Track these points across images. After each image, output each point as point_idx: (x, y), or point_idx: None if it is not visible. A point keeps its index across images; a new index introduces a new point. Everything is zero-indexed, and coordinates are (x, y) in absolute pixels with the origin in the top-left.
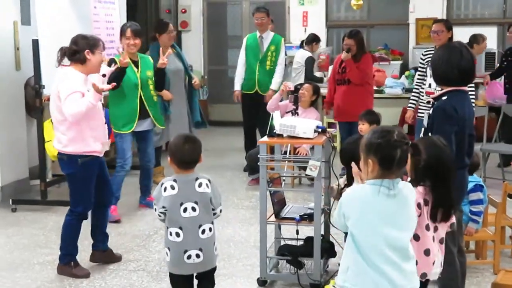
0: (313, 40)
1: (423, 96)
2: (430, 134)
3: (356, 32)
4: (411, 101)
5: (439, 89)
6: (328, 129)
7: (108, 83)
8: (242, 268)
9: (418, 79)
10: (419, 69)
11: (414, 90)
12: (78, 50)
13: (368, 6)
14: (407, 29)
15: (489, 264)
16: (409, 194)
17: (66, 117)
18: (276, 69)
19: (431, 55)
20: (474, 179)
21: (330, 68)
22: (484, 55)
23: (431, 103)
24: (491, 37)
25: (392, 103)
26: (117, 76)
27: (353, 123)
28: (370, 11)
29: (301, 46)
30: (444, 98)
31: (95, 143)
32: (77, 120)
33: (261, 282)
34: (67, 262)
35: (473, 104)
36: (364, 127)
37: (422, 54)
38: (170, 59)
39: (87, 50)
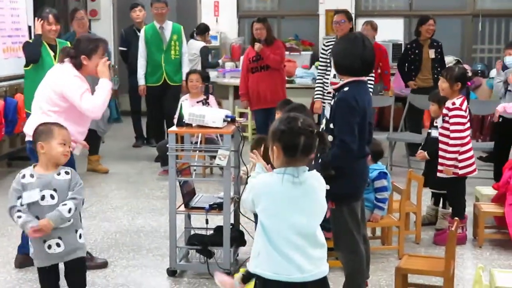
0: (205, 29)
1: (327, 86)
2: (332, 125)
3: (264, 17)
4: (316, 92)
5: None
6: (237, 119)
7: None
8: (152, 258)
9: (320, 69)
10: (320, 59)
11: (317, 81)
12: (75, 55)
13: None
14: (317, 20)
15: (394, 250)
16: (316, 182)
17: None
18: (183, 60)
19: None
20: (378, 167)
21: (242, 58)
22: (391, 46)
23: (332, 94)
24: (398, 29)
25: (302, 93)
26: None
27: (269, 110)
28: (280, 2)
29: (191, 36)
30: (345, 89)
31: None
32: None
33: (171, 272)
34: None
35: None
36: None
37: (324, 45)
38: None
39: (83, 56)
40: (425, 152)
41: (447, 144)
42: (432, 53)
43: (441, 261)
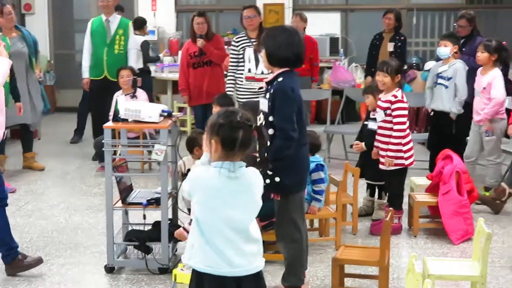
0: (142, 23)
1: (241, 81)
2: (271, 118)
3: (204, 11)
4: (228, 89)
5: (259, 73)
6: (174, 114)
7: None
8: (90, 255)
9: (231, 65)
10: (232, 56)
11: (229, 76)
12: None
13: None
14: None
15: (331, 241)
16: (253, 178)
17: None
18: (129, 55)
19: (244, 42)
20: (315, 159)
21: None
22: (328, 40)
23: (264, 88)
24: (335, 23)
25: None
26: None
27: (209, 105)
28: None
29: None
30: (279, 79)
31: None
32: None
33: (109, 269)
34: (14, 258)
35: None
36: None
37: (235, 41)
38: (12, 42)
39: None
40: (362, 144)
41: (390, 136)
42: (390, 47)
43: (377, 251)
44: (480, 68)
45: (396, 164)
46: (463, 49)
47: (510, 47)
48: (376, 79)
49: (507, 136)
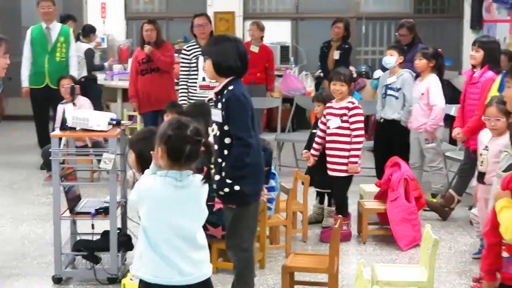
0: (90, 31)
1: (195, 90)
2: (227, 127)
3: (154, 19)
4: (180, 97)
5: (214, 81)
6: (123, 122)
7: None
8: (37, 266)
9: (183, 73)
10: (182, 64)
11: (181, 85)
12: None
13: None
14: None
15: (282, 249)
16: (200, 186)
17: None
18: (71, 62)
19: (196, 50)
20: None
21: (130, 60)
22: (279, 48)
23: (214, 99)
24: (285, 31)
25: None
26: None
27: (159, 112)
28: (168, 3)
29: (77, 38)
30: (230, 88)
31: None
32: None
33: (56, 279)
34: None
35: None
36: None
37: (185, 50)
38: None
39: None
40: (311, 152)
41: (347, 143)
42: (337, 55)
43: (326, 258)
44: (412, 78)
45: (338, 170)
46: (406, 56)
47: (453, 56)
48: (332, 88)
49: (452, 142)
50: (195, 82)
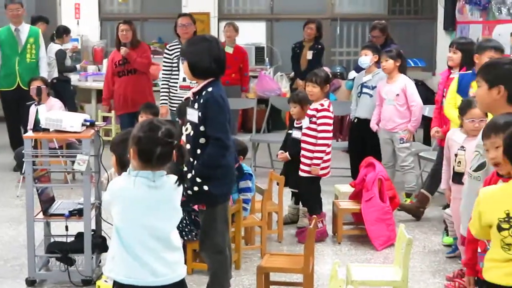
0: (63, 32)
1: (175, 90)
2: (203, 128)
3: (129, 19)
4: (162, 97)
5: (195, 82)
6: (97, 123)
7: None
8: (10, 269)
9: (164, 74)
10: (165, 64)
11: (162, 85)
12: None
13: None
14: None
15: (257, 249)
16: (174, 186)
17: None
18: (40, 64)
19: (177, 49)
20: (244, 168)
21: (105, 61)
22: (254, 49)
23: (191, 99)
24: (260, 32)
25: None
26: None
27: (136, 114)
28: (143, 4)
29: (51, 39)
30: (209, 89)
31: None
32: None
33: (30, 282)
34: None
35: None
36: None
37: (168, 49)
38: None
39: None
40: (287, 153)
41: (313, 144)
42: (309, 55)
43: (301, 259)
44: (385, 78)
45: (306, 171)
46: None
47: (427, 57)
48: (306, 89)
49: (426, 143)
50: (177, 82)
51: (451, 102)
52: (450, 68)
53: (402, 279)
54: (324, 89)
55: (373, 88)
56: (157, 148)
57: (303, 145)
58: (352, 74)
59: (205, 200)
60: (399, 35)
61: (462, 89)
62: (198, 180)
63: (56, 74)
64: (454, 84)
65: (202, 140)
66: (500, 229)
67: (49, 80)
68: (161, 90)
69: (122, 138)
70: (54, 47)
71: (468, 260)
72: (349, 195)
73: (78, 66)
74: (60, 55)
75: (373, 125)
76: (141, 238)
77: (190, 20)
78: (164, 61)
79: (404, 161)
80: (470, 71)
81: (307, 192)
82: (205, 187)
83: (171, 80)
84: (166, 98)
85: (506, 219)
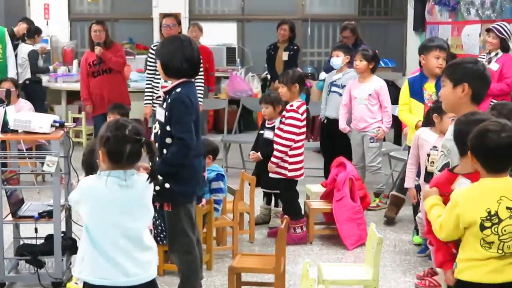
0: (34, 32)
1: (158, 90)
2: (169, 127)
3: (102, 20)
4: (146, 97)
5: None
6: (66, 124)
7: None
8: None
9: (149, 74)
10: (149, 64)
11: (146, 86)
12: None
13: None
14: (151, 24)
15: (229, 250)
16: (144, 185)
17: None
18: (8, 63)
19: None
20: (216, 168)
21: (75, 62)
22: (225, 50)
23: (162, 97)
24: (232, 33)
25: (137, 97)
26: None
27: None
28: (113, 5)
29: (23, 40)
30: (178, 90)
31: None
32: None
33: None
34: None
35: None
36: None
37: (152, 49)
38: None
39: None
40: (258, 153)
41: (279, 144)
42: (285, 56)
43: (273, 259)
44: (357, 77)
45: (276, 173)
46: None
47: (397, 57)
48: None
49: (396, 142)
50: (159, 82)
51: (405, 107)
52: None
53: (373, 278)
54: (292, 89)
55: (343, 87)
56: (127, 146)
57: (274, 145)
58: (323, 74)
59: (167, 198)
60: (370, 35)
61: (416, 93)
62: (160, 177)
63: (28, 75)
64: (406, 89)
65: (168, 140)
66: (482, 228)
67: (21, 81)
68: (145, 90)
69: (89, 148)
70: (26, 47)
71: (444, 256)
72: (321, 195)
73: (51, 67)
74: (33, 56)
75: (343, 127)
76: (113, 238)
77: (175, 20)
78: (149, 61)
79: (372, 162)
80: (418, 74)
81: (283, 194)
82: (167, 185)
83: (155, 80)
84: (150, 98)
85: (488, 217)
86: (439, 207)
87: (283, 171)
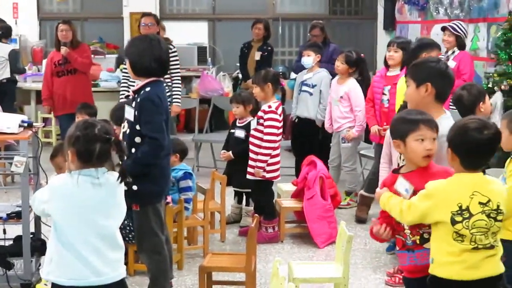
0: (11, 31)
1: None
2: (138, 126)
3: (68, 19)
4: (121, 96)
5: None
6: (35, 124)
7: None
8: None
9: (125, 73)
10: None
11: (122, 84)
12: None
13: None
14: (122, 23)
15: (200, 249)
16: (117, 183)
17: None
18: None
19: None
20: (183, 167)
21: (44, 62)
22: (196, 49)
23: (131, 96)
24: (203, 32)
25: (107, 97)
26: None
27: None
28: (83, 4)
29: None
30: (147, 89)
31: None
32: None
33: None
34: None
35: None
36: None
37: None
38: None
39: None
40: (230, 152)
41: (259, 146)
42: (257, 56)
43: (244, 258)
44: (337, 77)
45: (252, 173)
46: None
47: (368, 56)
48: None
49: (367, 141)
50: (135, 81)
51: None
52: (387, 66)
53: (343, 275)
54: (266, 88)
55: (313, 86)
56: (96, 146)
57: (250, 146)
58: (293, 74)
59: (136, 198)
60: (340, 34)
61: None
62: (128, 179)
63: (6, 75)
64: (403, 84)
65: (137, 139)
66: (453, 222)
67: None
68: (121, 88)
69: (57, 149)
70: (5, 47)
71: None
72: (291, 193)
73: (27, 68)
74: (14, 55)
75: (326, 126)
76: (85, 236)
77: (154, 20)
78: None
79: (346, 161)
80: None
81: (257, 195)
82: (134, 187)
83: (130, 79)
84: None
85: (459, 211)
86: (396, 197)
87: (253, 170)
